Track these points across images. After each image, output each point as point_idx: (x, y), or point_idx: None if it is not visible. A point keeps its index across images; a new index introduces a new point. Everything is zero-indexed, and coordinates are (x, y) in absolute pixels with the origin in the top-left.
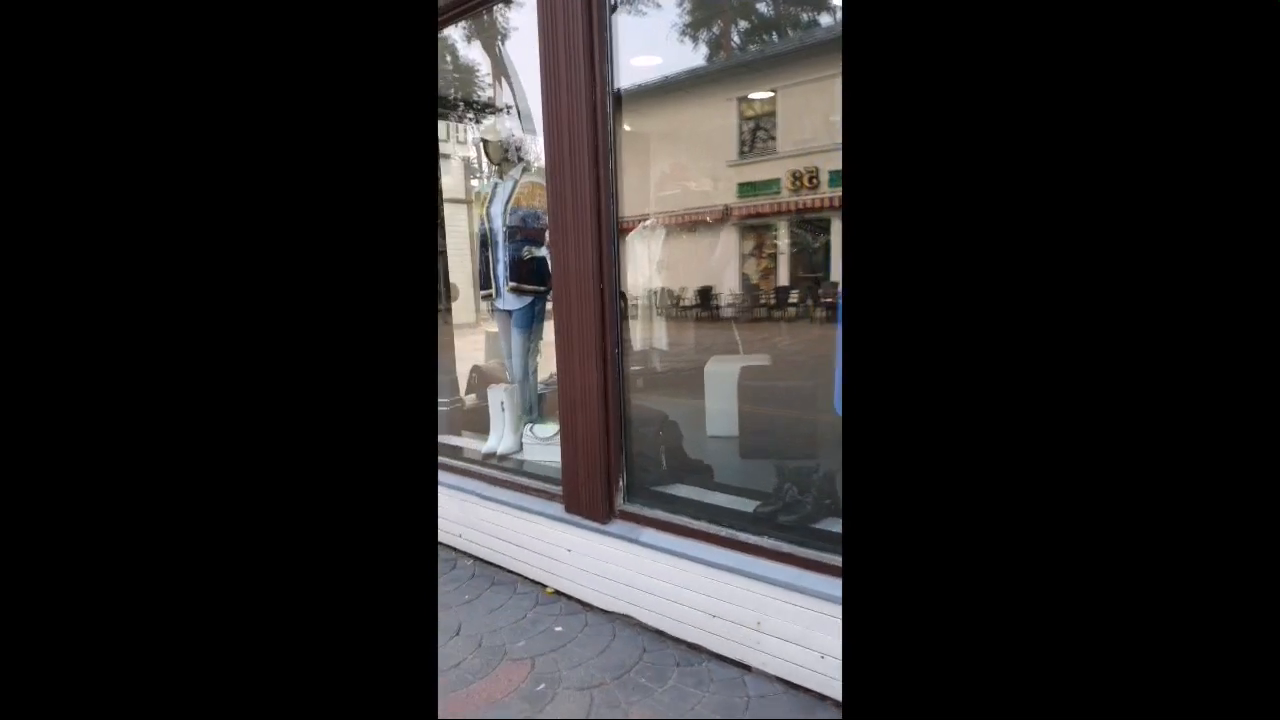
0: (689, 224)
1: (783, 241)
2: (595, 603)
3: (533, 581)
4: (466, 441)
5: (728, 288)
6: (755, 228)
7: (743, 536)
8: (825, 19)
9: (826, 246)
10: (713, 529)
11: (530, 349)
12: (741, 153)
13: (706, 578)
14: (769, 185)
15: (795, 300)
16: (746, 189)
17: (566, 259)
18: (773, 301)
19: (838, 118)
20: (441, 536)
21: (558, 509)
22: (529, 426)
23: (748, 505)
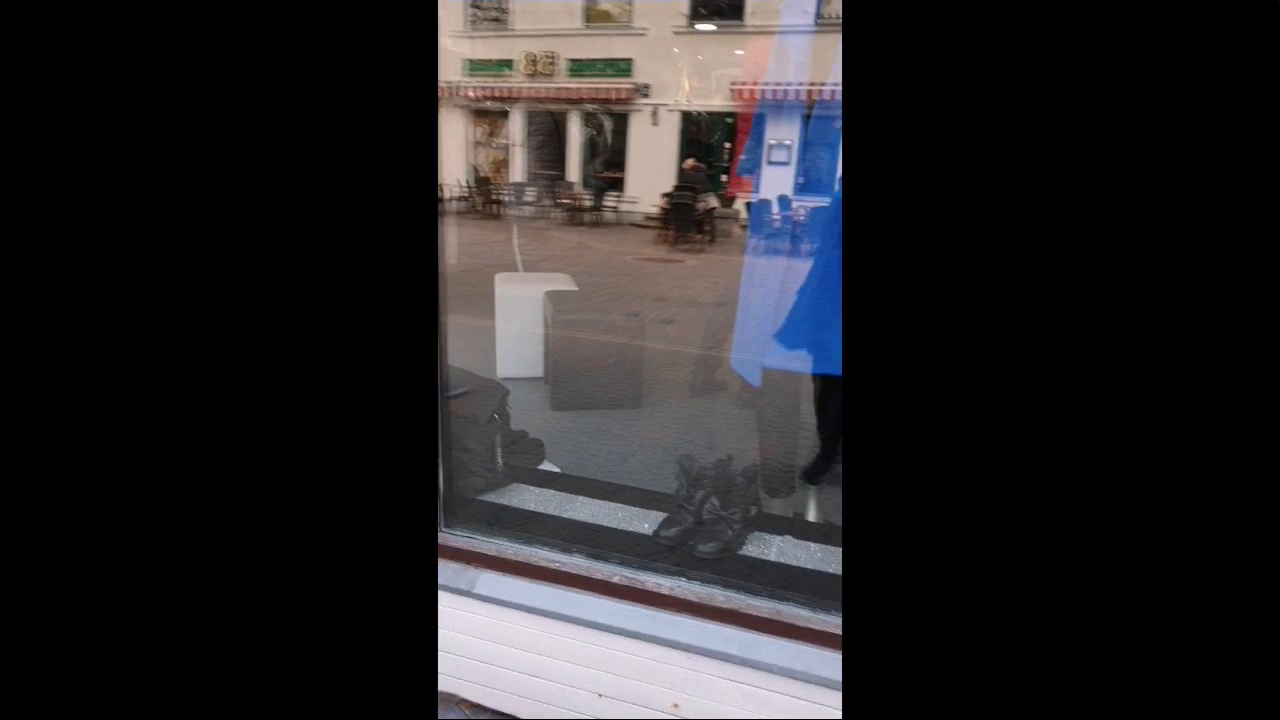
0: None
1: (517, 130)
2: None
3: None
4: None
5: (454, 179)
6: (488, 113)
7: (645, 579)
8: None
9: (598, 141)
10: (594, 569)
11: None
12: (471, 23)
13: (590, 643)
14: (501, 66)
15: (532, 198)
16: (476, 67)
17: None
18: (506, 198)
19: None
20: None
21: None
22: None
23: (637, 519)
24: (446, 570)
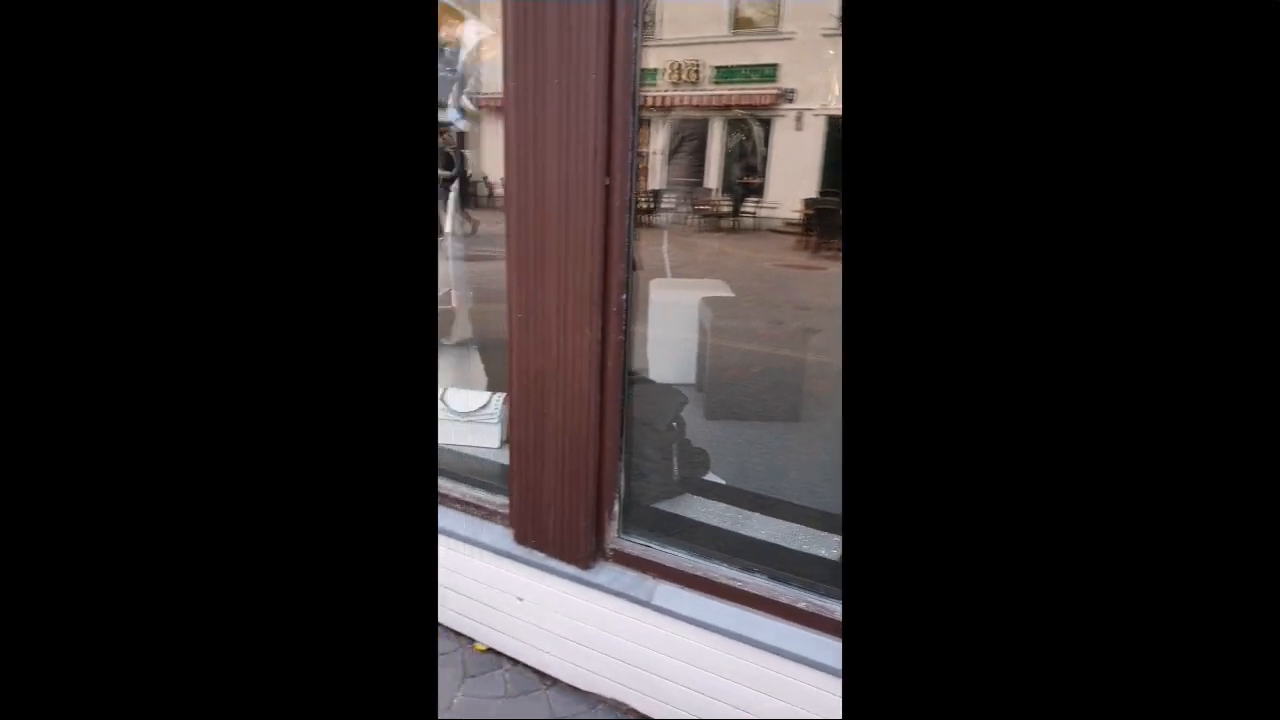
0: None
1: (659, 140)
2: (563, 676)
3: (453, 631)
4: None
5: None
6: None
7: (834, 608)
8: None
9: (753, 148)
10: (776, 590)
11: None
12: None
13: (772, 669)
14: (647, 75)
15: (671, 205)
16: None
17: (535, 138)
18: (648, 205)
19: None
20: None
21: (499, 535)
22: (438, 393)
23: (817, 541)
24: (624, 578)
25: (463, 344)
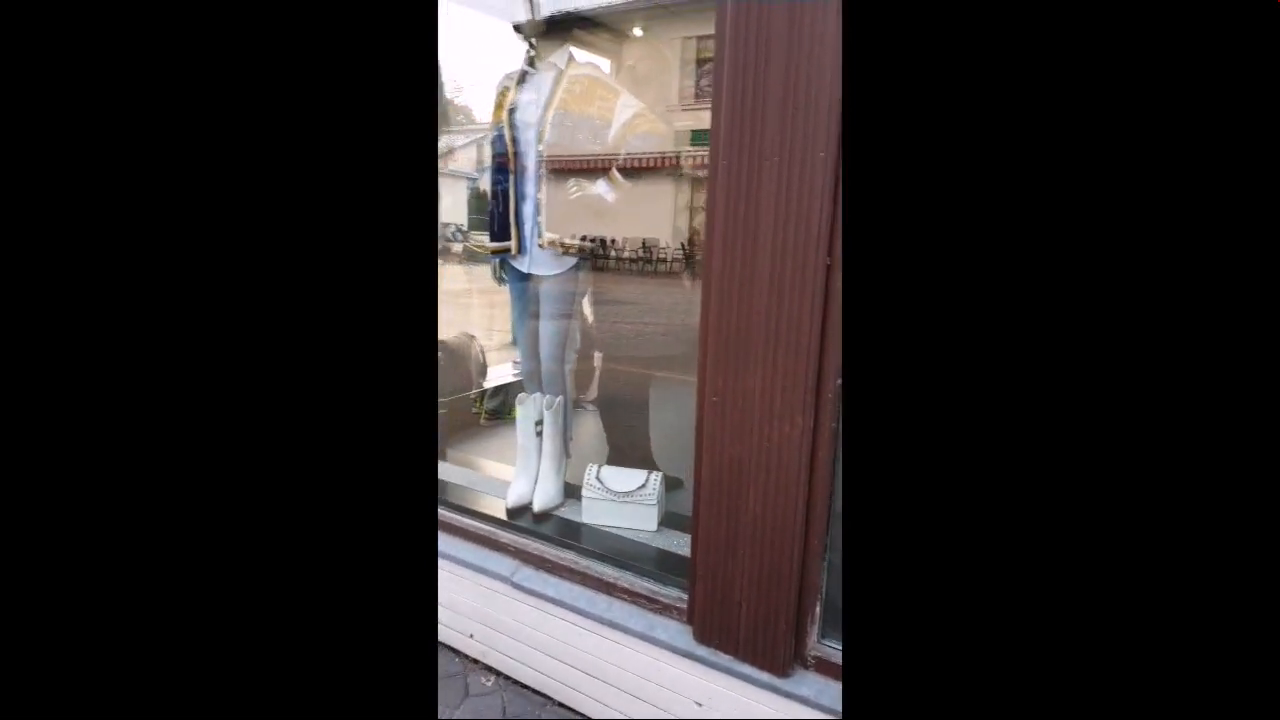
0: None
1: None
2: None
3: None
4: (466, 477)
5: (665, 241)
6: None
7: None
8: None
9: None
10: None
11: (569, 338)
12: (697, 94)
13: None
14: (695, 136)
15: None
16: (698, 138)
17: (746, 219)
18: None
19: None
20: (449, 638)
21: (675, 631)
22: (593, 471)
23: None
24: (831, 690)
25: (580, 404)
